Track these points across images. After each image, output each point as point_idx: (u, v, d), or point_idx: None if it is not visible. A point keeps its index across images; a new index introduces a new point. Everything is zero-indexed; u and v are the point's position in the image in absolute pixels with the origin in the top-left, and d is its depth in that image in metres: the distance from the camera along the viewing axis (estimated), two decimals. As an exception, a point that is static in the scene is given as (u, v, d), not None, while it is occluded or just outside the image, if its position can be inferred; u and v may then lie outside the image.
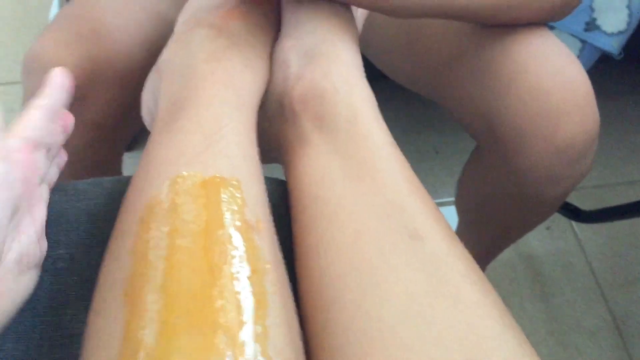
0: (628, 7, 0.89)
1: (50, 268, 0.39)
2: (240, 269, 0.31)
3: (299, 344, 0.33)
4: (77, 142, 0.58)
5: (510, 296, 0.92)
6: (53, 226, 0.40)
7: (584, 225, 1.00)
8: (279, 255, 0.35)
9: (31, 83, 0.54)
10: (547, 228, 1.00)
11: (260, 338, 0.29)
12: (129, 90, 0.58)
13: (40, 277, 0.38)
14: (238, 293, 0.30)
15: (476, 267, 0.35)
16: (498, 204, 0.65)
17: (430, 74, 0.62)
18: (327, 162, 0.38)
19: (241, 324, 0.29)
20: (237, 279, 0.31)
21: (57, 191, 0.41)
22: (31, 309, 0.37)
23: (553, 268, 0.97)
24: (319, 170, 0.38)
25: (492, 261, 0.81)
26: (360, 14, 0.65)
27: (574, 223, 1.00)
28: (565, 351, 0.88)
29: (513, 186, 0.59)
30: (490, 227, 0.72)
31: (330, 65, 0.41)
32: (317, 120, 0.39)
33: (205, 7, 0.44)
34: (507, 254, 0.97)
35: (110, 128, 0.59)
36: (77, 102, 0.56)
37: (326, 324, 0.33)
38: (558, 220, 1.00)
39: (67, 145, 0.59)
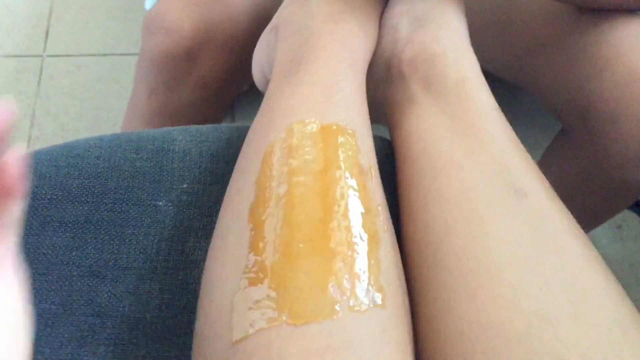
0: None
1: (174, 200, 0.42)
2: (355, 206, 0.34)
3: (404, 280, 0.36)
4: (186, 99, 0.62)
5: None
6: (179, 161, 0.43)
7: (656, 226, 0.98)
8: (385, 201, 0.38)
9: (152, 41, 0.59)
10: (618, 227, 1.00)
11: (374, 269, 0.32)
12: (235, 54, 0.62)
13: (167, 207, 0.42)
14: (353, 227, 0.33)
15: (577, 224, 0.37)
16: (579, 190, 0.65)
17: (522, 56, 0.63)
18: (436, 120, 0.40)
19: (357, 253, 0.32)
20: (353, 215, 0.33)
21: (182, 132, 0.45)
22: (158, 234, 0.41)
23: (622, 267, 0.96)
24: (428, 127, 0.40)
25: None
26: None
27: (646, 223, 0.99)
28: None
29: (600, 171, 0.60)
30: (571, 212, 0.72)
31: (439, 31, 0.43)
32: (426, 82, 0.41)
33: None
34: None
35: (216, 88, 0.63)
36: (188, 63, 0.61)
37: (434, 264, 0.35)
38: (629, 219, 0.99)
39: (176, 102, 0.64)
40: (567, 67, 0.57)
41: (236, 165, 0.39)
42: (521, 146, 0.40)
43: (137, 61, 0.63)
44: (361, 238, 0.33)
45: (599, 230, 0.99)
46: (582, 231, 0.37)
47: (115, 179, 0.42)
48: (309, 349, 0.27)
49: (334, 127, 0.37)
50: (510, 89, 0.77)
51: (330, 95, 0.39)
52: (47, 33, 1.17)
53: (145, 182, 0.43)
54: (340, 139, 0.37)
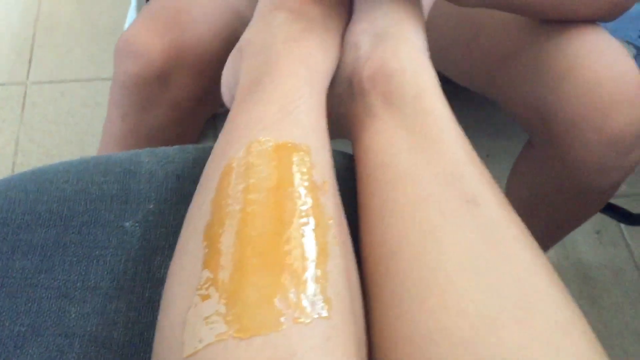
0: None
1: (141, 220, 0.43)
2: (306, 221, 0.35)
3: (357, 291, 0.37)
4: (159, 121, 0.64)
5: (558, 299, 0.92)
6: (145, 182, 0.45)
7: (633, 231, 1.00)
8: (341, 214, 0.39)
9: (123, 66, 0.60)
10: (597, 232, 1.01)
11: (321, 280, 0.33)
12: (206, 76, 0.64)
13: (134, 228, 0.43)
14: (303, 242, 0.34)
15: (527, 232, 0.38)
16: (548, 198, 0.67)
17: (487, 70, 0.64)
18: (393, 134, 0.42)
19: (305, 267, 0.33)
20: (303, 230, 0.35)
21: (148, 154, 0.46)
22: (125, 254, 0.42)
23: (602, 272, 0.97)
24: (386, 141, 0.42)
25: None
26: (426, 4, 0.68)
27: (623, 228, 1.01)
28: (613, 354, 0.88)
29: (565, 179, 0.61)
30: (539, 223, 0.73)
31: (398, 47, 0.44)
32: (385, 97, 0.43)
33: None
34: (556, 258, 0.98)
35: (189, 109, 0.65)
36: (159, 86, 0.62)
37: (386, 273, 0.36)
38: (607, 224, 1.01)
39: (148, 124, 0.65)
40: (529, 78, 0.59)
41: (198, 184, 0.40)
42: (476, 156, 0.41)
43: (110, 86, 0.65)
44: (310, 252, 0.34)
45: (578, 237, 1.01)
46: (531, 238, 0.38)
47: (82, 202, 0.44)
48: None
49: (289, 145, 0.39)
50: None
51: (287, 113, 0.41)
52: (30, 60, 1.19)
53: (112, 204, 0.44)
54: (295, 157, 0.38)
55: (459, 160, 0.40)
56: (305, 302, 0.31)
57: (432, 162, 0.39)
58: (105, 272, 0.42)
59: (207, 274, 0.32)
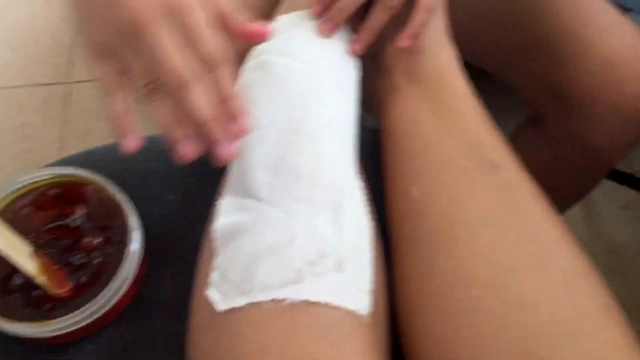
0: None
1: (183, 193, 0.48)
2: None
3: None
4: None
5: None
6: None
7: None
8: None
9: None
10: (625, 207, 1.02)
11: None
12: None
13: (177, 200, 0.47)
14: None
15: (542, 192, 0.41)
16: (554, 174, 0.68)
17: (501, 58, 0.66)
18: (417, 106, 0.45)
19: None
20: None
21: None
22: (170, 223, 0.46)
23: (630, 246, 0.98)
24: (410, 113, 0.45)
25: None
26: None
27: (651, 201, 1.01)
28: (642, 326, 0.89)
29: (575, 154, 0.64)
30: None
31: None
32: (408, 73, 0.46)
33: None
34: (584, 232, 1.00)
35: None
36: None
37: (415, 230, 0.40)
38: (635, 199, 1.01)
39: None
40: (545, 62, 0.61)
41: None
42: (495, 126, 0.44)
43: None
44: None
45: (606, 211, 1.02)
46: (544, 197, 0.41)
47: (130, 178, 0.48)
48: None
49: None
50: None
51: None
52: (71, 61, 1.25)
53: (155, 179, 0.48)
54: None
55: (480, 129, 0.43)
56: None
57: (455, 131, 0.43)
58: (153, 241, 0.46)
59: None
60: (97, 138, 1.15)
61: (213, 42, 0.37)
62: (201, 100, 0.36)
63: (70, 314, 0.40)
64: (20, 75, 1.23)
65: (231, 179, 0.40)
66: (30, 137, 1.15)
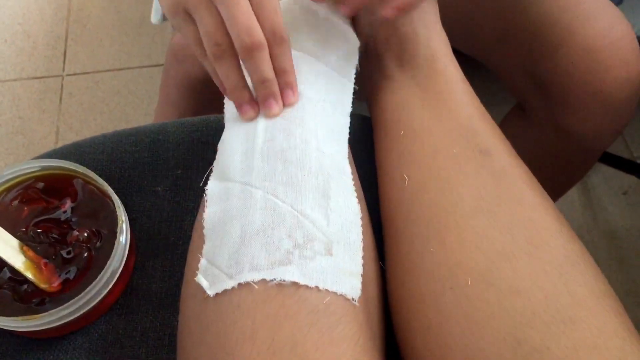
0: None
1: (172, 185, 0.47)
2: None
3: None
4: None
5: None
6: (173, 150, 0.48)
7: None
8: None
9: (180, 68, 0.64)
10: (624, 193, 1.01)
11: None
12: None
13: (165, 192, 0.47)
14: None
15: (534, 178, 0.40)
16: (540, 162, 0.68)
17: (484, 45, 0.65)
18: (408, 92, 0.44)
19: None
20: None
21: (175, 125, 0.50)
22: (159, 215, 0.46)
23: (629, 232, 0.98)
24: (401, 99, 0.44)
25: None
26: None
27: (650, 187, 1.01)
28: (641, 312, 0.89)
29: (559, 143, 0.63)
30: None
31: (411, 12, 0.46)
32: (399, 59, 0.45)
33: None
34: (583, 219, 0.99)
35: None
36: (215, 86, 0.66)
37: (407, 217, 0.39)
38: (634, 185, 1.01)
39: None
40: (525, 49, 0.60)
41: None
42: (486, 113, 0.44)
43: (161, 84, 0.68)
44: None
45: (606, 198, 1.01)
46: (537, 183, 0.40)
47: (117, 170, 0.47)
48: None
49: None
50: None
51: None
52: (65, 54, 1.25)
53: (144, 171, 0.47)
54: None
55: (471, 116, 0.42)
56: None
57: (446, 118, 0.42)
58: (142, 233, 0.45)
59: None
60: (92, 130, 1.14)
61: (281, 17, 0.38)
62: (266, 64, 0.38)
63: (60, 308, 0.40)
64: (14, 69, 1.23)
65: (218, 163, 0.39)
66: (25, 131, 1.14)
